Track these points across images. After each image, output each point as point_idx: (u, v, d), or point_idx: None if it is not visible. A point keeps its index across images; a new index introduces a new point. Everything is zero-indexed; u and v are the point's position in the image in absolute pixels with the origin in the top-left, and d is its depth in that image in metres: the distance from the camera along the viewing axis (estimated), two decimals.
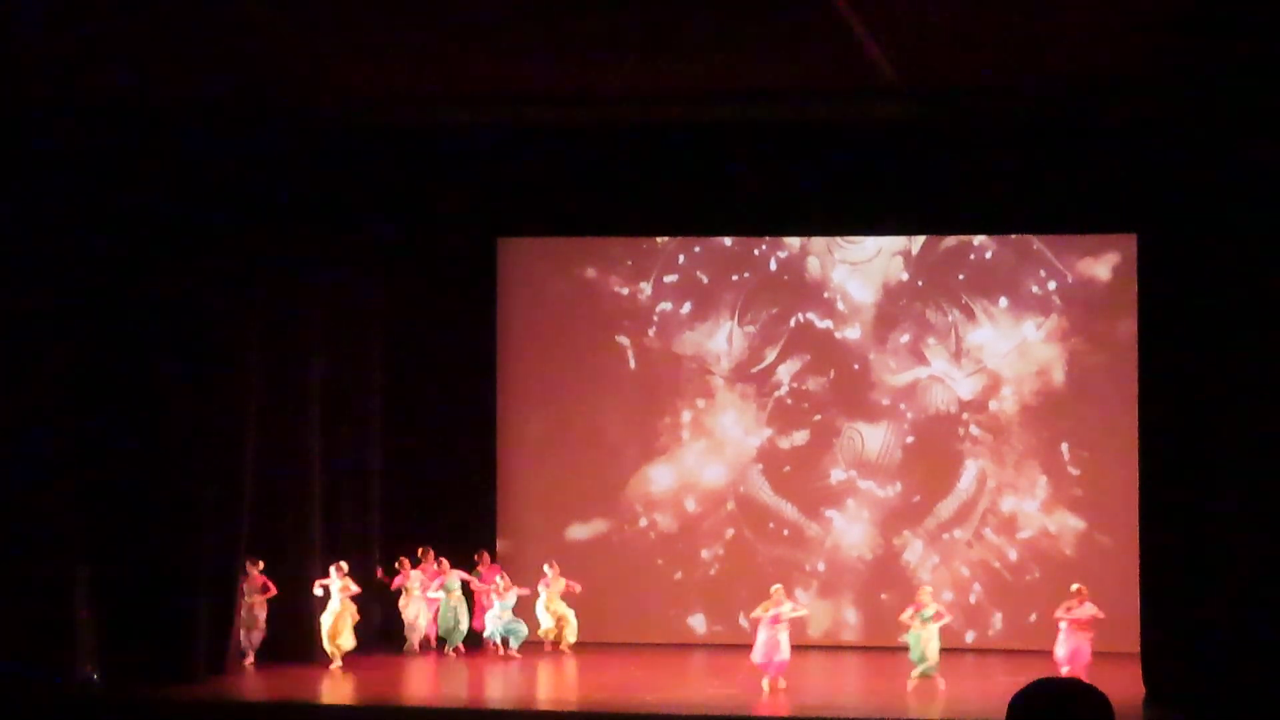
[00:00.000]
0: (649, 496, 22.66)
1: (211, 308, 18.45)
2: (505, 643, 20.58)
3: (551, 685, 19.33)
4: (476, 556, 21.47)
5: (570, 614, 20.92)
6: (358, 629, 19.86)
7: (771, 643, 18.61)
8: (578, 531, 22.58)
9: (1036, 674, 4.58)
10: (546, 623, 20.85)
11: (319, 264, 20.43)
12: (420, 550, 21.24)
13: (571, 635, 20.89)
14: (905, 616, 19.25)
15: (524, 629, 20.62)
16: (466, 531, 21.95)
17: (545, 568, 21.00)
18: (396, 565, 21.05)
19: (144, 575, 17.99)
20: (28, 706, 16.73)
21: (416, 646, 21.02)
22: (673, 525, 22.57)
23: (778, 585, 19.29)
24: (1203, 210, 16.75)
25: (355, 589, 19.68)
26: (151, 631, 17.92)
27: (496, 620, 20.66)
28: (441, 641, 21.03)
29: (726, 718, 17.66)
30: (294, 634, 20.02)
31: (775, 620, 18.65)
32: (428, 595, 20.96)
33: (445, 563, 21.00)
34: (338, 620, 19.50)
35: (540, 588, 20.91)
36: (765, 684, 18.59)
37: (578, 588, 20.92)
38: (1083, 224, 19.55)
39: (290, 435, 20.16)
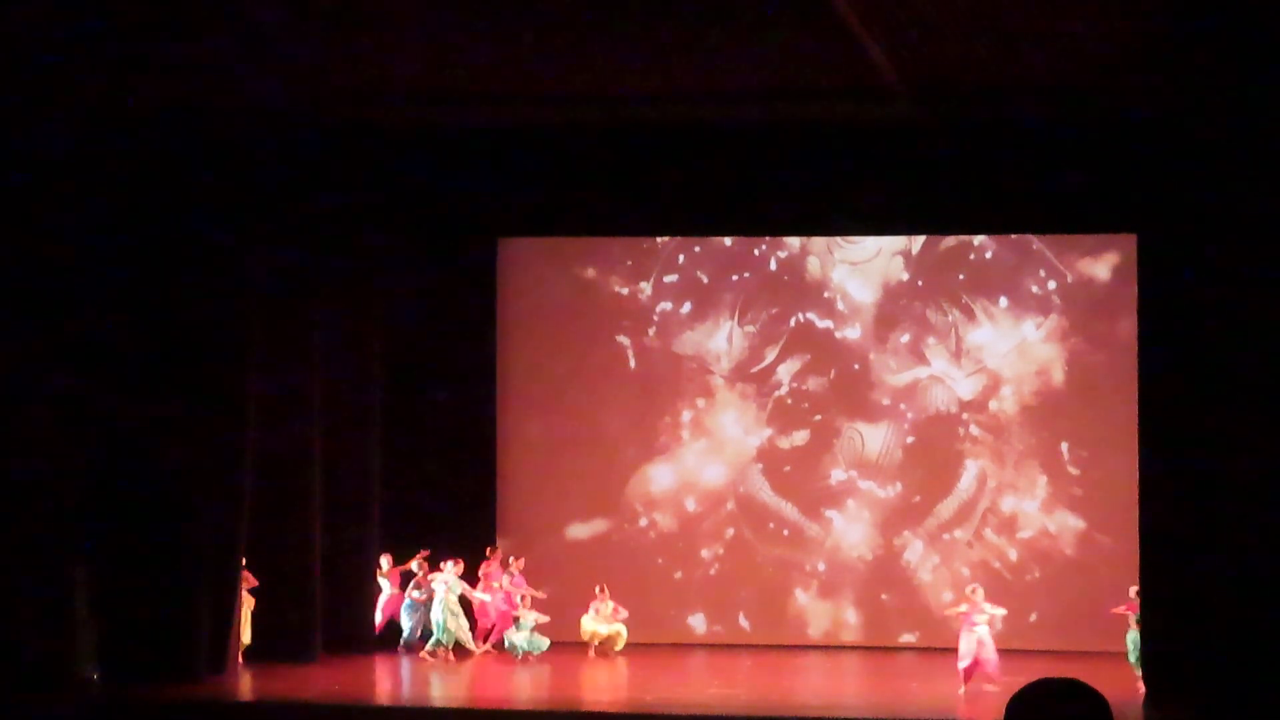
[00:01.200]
0: (649, 496, 22.66)
1: (212, 307, 18.44)
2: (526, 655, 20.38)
3: (551, 685, 19.32)
4: (514, 560, 21.35)
5: (622, 629, 20.79)
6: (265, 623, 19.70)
7: (976, 644, 18.05)
8: (578, 531, 22.58)
9: (1036, 674, 4.58)
10: (593, 628, 20.69)
11: (319, 263, 20.42)
12: (489, 549, 21.15)
13: (619, 643, 20.80)
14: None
15: (546, 642, 20.44)
16: (466, 531, 21.94)
17: (597, 589, 20.84)
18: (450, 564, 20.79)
19: (144, 575, 17.99)
20: (28, 706, 16.72)
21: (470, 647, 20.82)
22: (673, 525, 22.58)
23: (975, 586, 18.84)
24: (1203, 210, 16.74)
25: (252, 581, 19.51)
26: (151, 631, 17.92)
27: (517, 635, 20.37)
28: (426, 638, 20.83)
29: (726, 718, 17.66)
30: (294, 634, 20.01)
31: (971, 622, 18.20)
32: (476, 595, 20.70)
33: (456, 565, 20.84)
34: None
35: (592, 607, 20.77)
36: (963, 690, 17.99)
37: (623, 613, 20.83)
38: (1083, 224, 19.56)
39: (290, 435, 20.14)
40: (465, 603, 20.68)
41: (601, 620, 20.75)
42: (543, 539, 22.29)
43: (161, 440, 18.08)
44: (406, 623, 20.84)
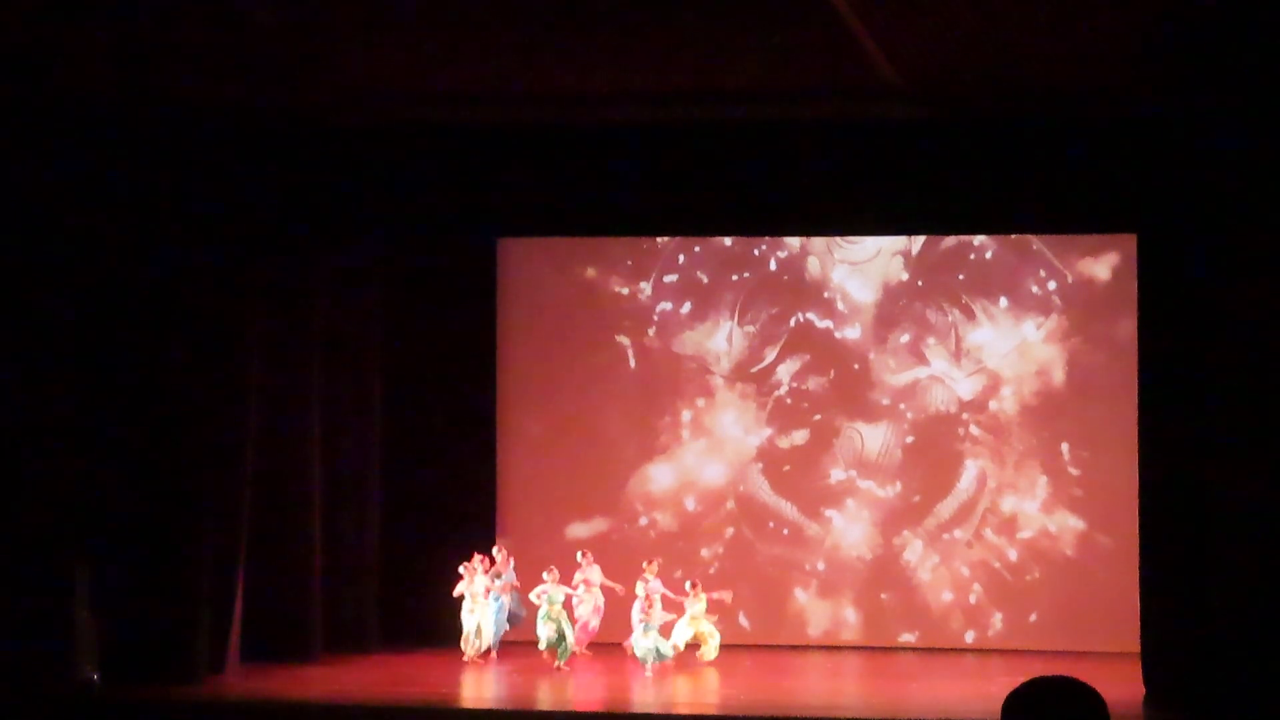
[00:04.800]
0: (649, 496, 22.67)
1: (211, 307, 18.46)
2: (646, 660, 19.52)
3: (550, 685, 19.30)
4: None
5: (716, 632, 20.24)
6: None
7: None
8: (578, 530, 22.59)
9: (1036, 674, 4.58)
10: (685, 637, 20.15)
11: (318, 263, 20.43)
12: (582, 552, 20.90)
13: (712, 652, 20.17)
14: None
15: (669, 649, 19.72)
16: (467, 531, 21.95)
17: (687, 585, 20.48)
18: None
19: (144, 575, 17.99)
20: (28, 706, 16.72)
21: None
22: (673, 524, 22.58)
23: None
24: (1203, 210, 16.74)
25: None
26: (151, 631, 17.92)
27: (645, 640, 19.45)
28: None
29: (725, 718, 17.66)
30: (294, 633, 20.02)
31: None
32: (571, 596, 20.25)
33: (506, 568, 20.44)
34: None
35: (686, 604, 20.27)
36: None
37: (728, 597, 20.46)
38: (1083, 224, 19.54)
39: (290, 434, 20.15)
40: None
41: (695, 621, 20.11)
42: (543, 539, 22.28)
43: (161, 440, 18.08)
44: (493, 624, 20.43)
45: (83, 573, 17.93)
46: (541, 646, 19.79)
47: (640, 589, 20.03)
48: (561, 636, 19.75)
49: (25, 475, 17.55)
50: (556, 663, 19.73)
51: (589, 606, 20.63)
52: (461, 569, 20.53)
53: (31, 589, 17.44)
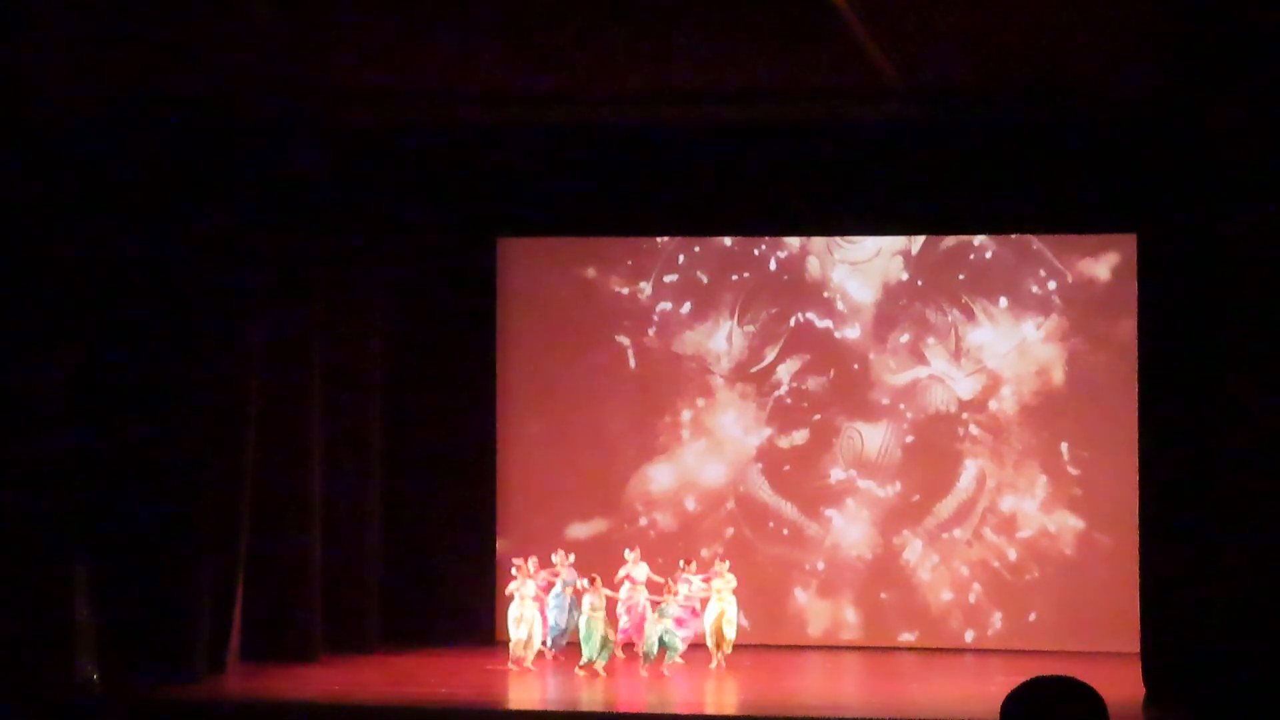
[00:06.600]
0: (649, 495, 22.67)
1: (212, 307, 18.46)
2: (662, 654, 19.34)
3: (549, 686, 19.31)
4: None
5: (731, 640, 19.96)
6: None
7: None
8: (578, 530, 22.59)
9: (1035, 674, 4.57)
10: (710, 620, 19.97)
11: (319, 264, 20.43)
12: (629, 548, 20.63)
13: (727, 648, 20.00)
14: None
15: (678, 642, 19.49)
16: (467, 531, 21.93)
17: (718, 564, 20.38)
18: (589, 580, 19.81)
19: (144, 575, 17.99)
20: (28, 706, 16.72)
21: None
22: (673, 524, 22.59)
23: None
24: (1203, 210, 16.75)
25: None
26: (151, 631, 17.92)
27: (657, 627, 19.31)
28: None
29: (726, 718, 17.65)
30: (294, 633, 20.01)
31: None
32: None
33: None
34: None
35: (714, 583, 19.99)
36: None
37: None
38: (1083, 224, 19.56)
39: (290, 434, 20.15)
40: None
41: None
42: (543, 539, 22.26)
43: (161, 440, 18.08)
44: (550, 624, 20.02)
45: (83, 572, 17.92)
46: (586, 657, 19.32)
47: (681, 589, 19.87)
48: (605, 642, 19.32)
49: (25, 475, 17.54)
50: (596, 666, 19.29)
51: (626, 605, 20.38)
52: (514, 568, 20.04)
53: (31, 589, 17.43)
